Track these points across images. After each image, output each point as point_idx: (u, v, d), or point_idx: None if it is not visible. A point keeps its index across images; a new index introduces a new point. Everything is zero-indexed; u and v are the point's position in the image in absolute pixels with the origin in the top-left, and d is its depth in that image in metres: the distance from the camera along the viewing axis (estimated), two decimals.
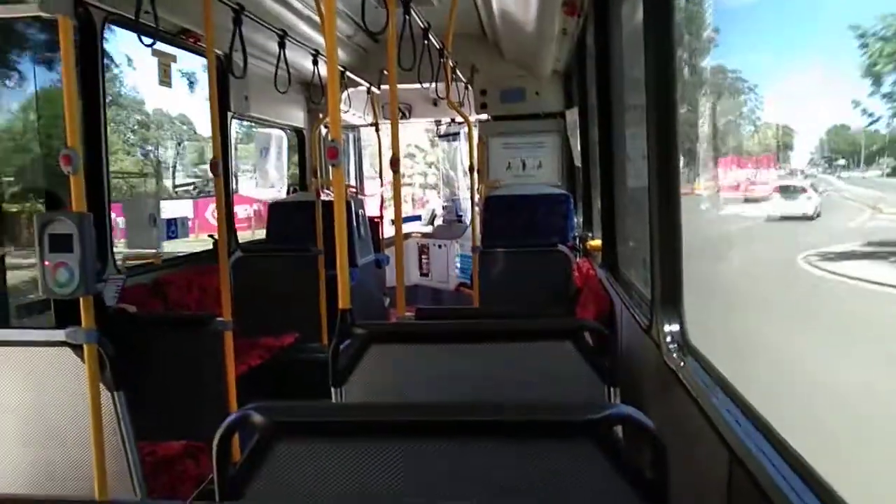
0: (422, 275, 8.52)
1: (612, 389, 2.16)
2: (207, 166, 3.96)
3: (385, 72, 3.70)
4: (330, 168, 2.93)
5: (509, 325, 2.43)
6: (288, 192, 7.20)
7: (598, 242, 4.42)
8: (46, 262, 2.21)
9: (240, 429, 1.39)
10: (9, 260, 3.83)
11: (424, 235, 8.76)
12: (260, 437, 1.37)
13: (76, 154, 2.20)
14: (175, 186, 16.85)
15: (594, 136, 4.86)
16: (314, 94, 5.99)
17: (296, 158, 7.35)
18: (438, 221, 9.48)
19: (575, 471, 1.34)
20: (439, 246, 8.41)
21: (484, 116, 7.04)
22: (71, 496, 2.38)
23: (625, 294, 3.14)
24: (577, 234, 6.24)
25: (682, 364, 2.01)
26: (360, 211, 6.25)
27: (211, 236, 5.14)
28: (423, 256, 8.54)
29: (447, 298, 8.10)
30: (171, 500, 2.61)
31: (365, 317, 2.32)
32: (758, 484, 1.33)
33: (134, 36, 3.36)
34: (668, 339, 2.14)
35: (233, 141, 6.01)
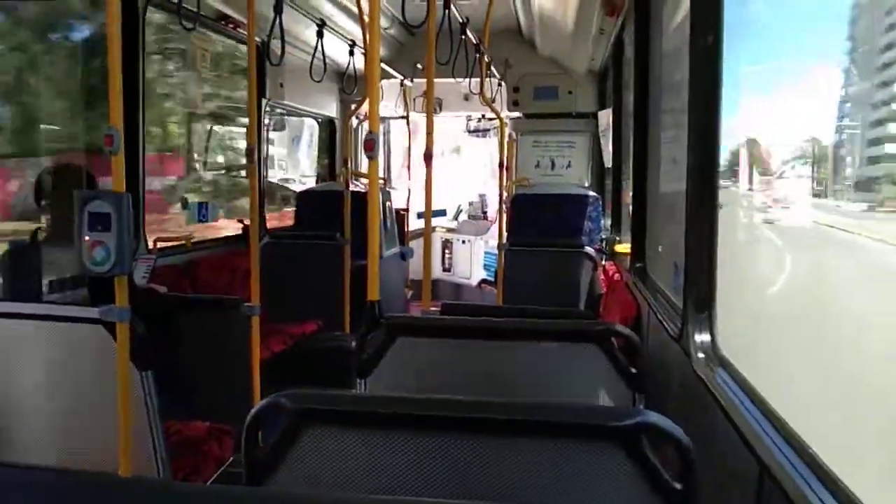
0: (444, 270, 8.52)
1: (637, 396, 2.14)
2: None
3: (419, 65, 3.71)
4: (361, 159, 2.94)
5: (535, 324, 2.41)
6: (317, 182, 7.25)
7: (625, 247, 4.38)
8: (86, 238, 2.25)
9: (269, 415, 1.40)
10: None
11: (449, 230, 8.76)
12: (288, 423, 1.38)
13: (118, 134, 2.23)
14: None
15: (627, 137, 4.82)
16: (347, 85, 6.01)
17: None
18: (463, 217, 9.47)
19: (600, 476, 1.33)
20: (463, 241, 8.40)
21: (515, 113, 7.01)
22: (96, 471, 2.42)
23: (653, 300, 3.11)
24: (604, 236, 6.20)
25: (711, 373, 1.99)
26: (388, 203, 6.26)
27: (241, 221, 5.19)
28: (446, 251, 8.54)
29: (469, 294, 8.09)
30: (193, 481, 2.64)
31: (387, 308, 2.32)
32: (787, 495, 1.31)
33: None
34: (699, 347, 2.11)
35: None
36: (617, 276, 4.48)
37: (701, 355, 2.09)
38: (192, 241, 4.58)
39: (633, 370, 2.13)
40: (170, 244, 4.39)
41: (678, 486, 1.28)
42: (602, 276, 4.93)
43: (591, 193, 6.48)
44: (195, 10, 3.22)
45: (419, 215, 6.33)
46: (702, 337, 2.11)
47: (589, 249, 5.44)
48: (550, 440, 1.35)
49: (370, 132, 2.29)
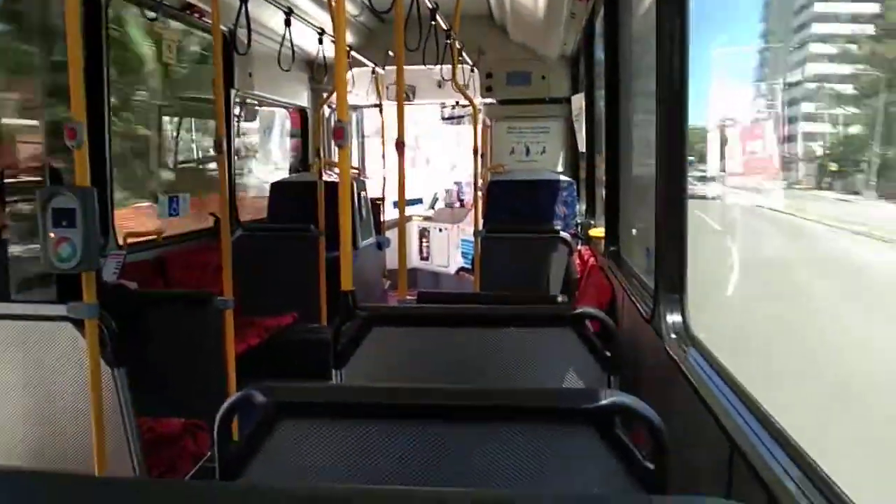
0: (422, 258, 8.51)
1: (612, 378, 2.16)
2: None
3: (391, 52, 3.68)
4: (334, 149, 2.91)
5: (511, 310, 2.42)
6: (290, 172, 7.18)
7: (599, 231, 4.40)
8: (51, 234, 2.20)
9: (242, 408, 1.38)
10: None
11: (425, 219, 8.74)
12: (262, 416, 1.37)
13: (81, 127, 2.18)
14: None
15: (599, 122, 4.83)
16: (318, 74, 5.95)
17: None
18: (440, 205, 9.46)
19: (575, 458, 1.34)
20: (440, 230, 8.39)
21: (489, 100, 6.99)
22: (69, 471, 2.39)
23: (627, 282, 3.14)
24: (579, 221, 6.23)
25: (683, 354, 2.01)
26: (363, 193, 6.23)
27: (212, 214, 5.12)
28: (423, 240, 8.53)
29: (447, 282, 8.10)
30: (169, 478, 2.62)
31: (364, 299, 2.32)
32: (757, 473, 1.33)
33: None
34: (671, 328, 2.14)
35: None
36: (592, 260, 4.51)
37: (673, 336, 2.11)
38: (163, 235, 4.52)
39: (608, 353, 2.15)
40: (140, 239, 4.32)
41: (651, 465, 1.30)
42: (578, 261, 4.96)
43: (566, 178, 6.50)
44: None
45: (395, 204, 6.31)
46: (673, 318, 2.14)
47: (564, 234, 5.46)
48: (526, 424, 1.36)
49: (339, 120, 2.27)
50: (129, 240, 4.15)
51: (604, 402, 1.30)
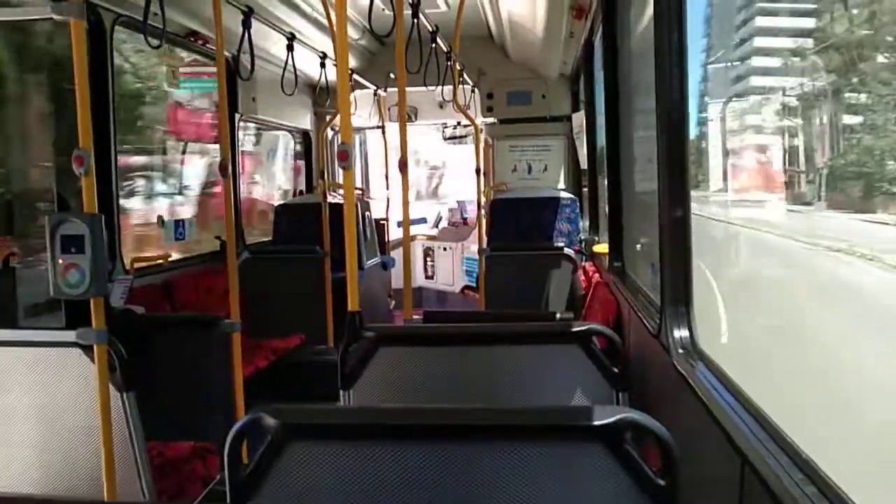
0: (427, 277, 8.52)
1: (620, 394, 2.16)
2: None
3: (392, 74, 3.72)
4: (338, 170, 2.94)
5: (518, 328, 2.42)
6: (294, 195, 7.22)
7: (603, 247, 4.41)
8: (60, 261, 2.22)
9: (251, 431, 1.39)
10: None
11: (430, 238, 8.76)
12: (272, 439, 1.37)
13: (88, 155, 2.21)
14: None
15: (601, 139, 4.86)
16: (321, 97, 6.00)
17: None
18: (444, 224, 9.49)
19: (585, 475, 1.34)
20: (444, 248, 8.41)
21: (490, 119, 7.04)
22: (79, 497, 2.39)
23: (632, 298, 3.13)
24: (583, 237, 6.24)
25: (691, 368, 2.01)
26: (367, 213, 6.25)
27: (218, 238, 5.15)
28: (427, 259, 8.54)
29: (452, 301, 8.10)
30: (179, 502, 2.61)
31: (370, 319, 2.32)
32: (770, 489, 1.33)
33: None
34: (678, 343, 2.13)
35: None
36: (596, 276, 4.51)
37: (680, 351, 2.11)
38: (169, 259, 4.54)
39: (615, 369, 2.15)
40: (147, 264, 4.34)
41: (661, 481, 1.29)
42: (582, 277, 4.96)
43: (569, 195, 6.53)
44: (161, 27, 3.20)
45: (399, 224, 6.34)
46: (680, 333, 2.13)
47: (568, 251, 5.47)
48: (535, 442, 1.36)
49: (343, 143, 2.30)
50: (136, 264, 4.18)
51: (613, 418, 1.30)
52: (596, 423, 1.31)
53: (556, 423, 1.38)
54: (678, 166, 2.17)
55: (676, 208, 2.18)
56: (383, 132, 7.55)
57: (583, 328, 2.21)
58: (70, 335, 2.32)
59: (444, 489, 1.36)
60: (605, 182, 4.11)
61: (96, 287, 2.24)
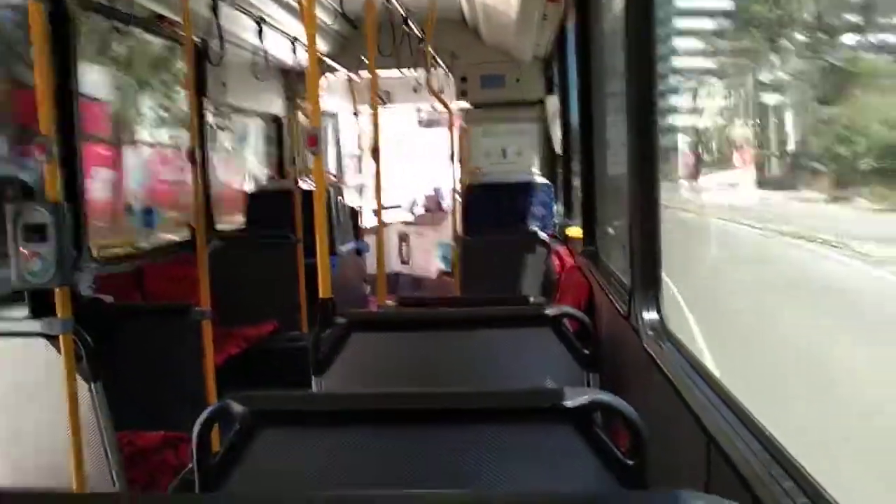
0: (402, 262, 8.51)
1: (591, 376, 2.18)
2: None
3: (364, 58, 3.69)
4: (309, 156, 2.92)
5: (490, 312, 2.43)
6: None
7: (576, 231, 4.44)
8: (21, 250, 2.17)
9: (219, 419, 1.38)
10: None
11: (405, 223, 8.74)
12: (240, 426, 1.36)
13: (51, 141, 2.16)
14: None
15: (574, 123, 4.88)
16: (292, 82, 5.93)
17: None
18: (419, 209, 9.48)
19: (555, 456, 1.35)
20: (420, 234, 8.40)
21: (464, 104, 7.02)
22: (48, 488, 2.35)
23: (604, 281, 3.16)
24: (557, 221, 6.27)
25: (660, 350, 2.03)
26: (340, 199, 6.21)
27: (188, 225, 5.08)
28: (403, 244, 8.53)
29: (428, 286, 8.11)
30: (150, 491, 2.59)
31: (345, 305, 2.32)
32: (735, 467, 1.35)
33: None
34: (647, 325, 2.16)
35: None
36: (570, 260, 4.54)
37: (650, 332, 2.14)
38: (138, 247, 4.47)
39: (586, 351, 2.17)
40: (115, 252, 4.27)
41: (630, 462, 1.31)
42: (556, 261, 4.99)
43: (543, 180, 6.55)
44: (128, 11, 3.13)
45: (375, 211, 6.32)
46: (650, 315, 2.16)
47: (543, 235, 5.49)
48: (506, 425, 1.37)
49: (312, 127, 2.27)
50: (103, 253, 4.10)
51: (582, 399, 1.31)
52: (565, 404, 1.32)
53: (526, 405, 1.38)
54: (647, 151, 2.19)
55: (646, 192, 2.19)
56: (356, 116, 7.50)
57: (555, 311, 2.23)
58: (35, 325, 2.28)
59: (415, 472, 1.36)
60: (579, 166, 4.13)
61: (61, 276, 2.20)
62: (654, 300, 2.17)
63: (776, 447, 1.34)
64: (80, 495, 2.23)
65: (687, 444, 1.64)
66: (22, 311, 3.30)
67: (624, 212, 2.45)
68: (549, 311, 2.23)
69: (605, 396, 1.33)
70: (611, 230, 3.65)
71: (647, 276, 2.19)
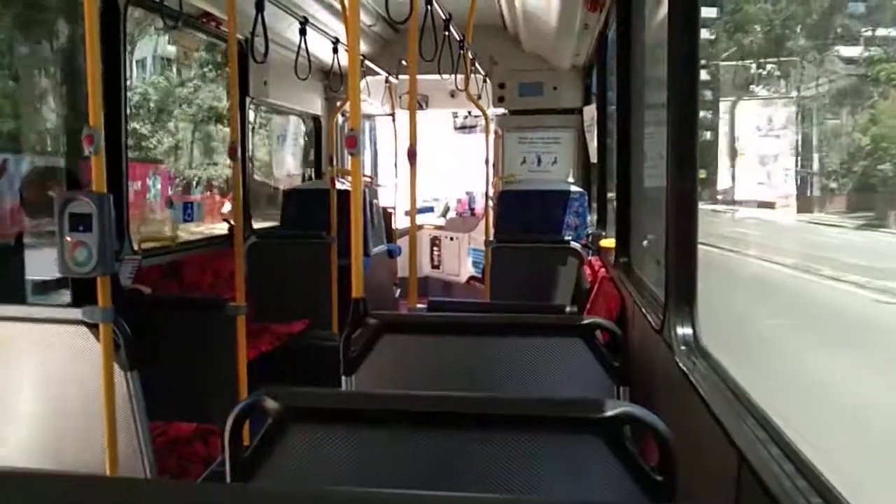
0: (433, 267, 8.53)
1: (621, 389, 2.16)
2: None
3: (404, 62, 3.72)
4: (347, 157, 2.95)
5: (521, 319, 2.43)
6: (303, 180, 7.23)
7: (610, 242, 4.40)
8: (68, 239, 2.23)
9: (252, 413, 1.40)
10: None
11: (437, 228, 8.76)
12: (272, 421, 1.38)
13: (99, 134, 2.22)
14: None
15: (611, 133, 4.84)
16: (333, 83, 6.00)
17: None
18: (451, 214, 9.49)
19: (583, 468, 1.34)
20: (451, 238, 8.41)
21: (501, 110, 7.02)
22: (81, 472, 2.41)
23: (637, 294, 3.13)
24: (590, 231, 6.22)
25: (693, 366, 2.01)
26: (375, 201, 6.26)
27: (226, 220, 5.18)
28: (434, 248, 8.55)
29: (458, 291, 8.11)
30: (180, 480, 2.63)
31: (375, 306, 2.33)
32: (766, 487, 1.33)
33: None
34: (680, 340, 2.13)
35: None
36: (602, 271, 4.50)
37: (683, 348, 2.11)
38: (177, 241, 4.57)
39: (617, 364, 2.15)
40: (155, 245, 4.37)
41: (659, 477, 1.30)
42: (588, 271, 4.95)
43: (577, 189, 6.51)
44: (177, 8, 3.20)
45: (407, 213, 6.34)
46: (683, 330, 2.13)
47: (575, 245, 5.46)
48: (533, 433, 1.37)
49: (351, 129, 2.30)
50: (144, 245, 4.20)
51: (612, 412, 1.31)
52: (595, 415, 1.31)
53: (555, 414, 1.38)
54: (687, 163, 2.16)
55: (684, 205, 2.17)
56: (393, 119, 7.54)
57: (586, 322, 2.21)
58: (76, 313, 2.34)
59: (441, 475, 1.37)
60: (615, 176, 4.10)
61: (103, 266, 2.26)
62: (689, 315, 2.14)
63: (809, 467, 1.32)
64: (113, 479, 2.28)
65: (717, 461, 1.62)
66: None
67: (660, 225, 2.43)
68: (581, 322, 2.22)
69: (636, 410, 1.32)
70: (645, 243, 3.61)
71: (682, 291, 2.16)
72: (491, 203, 6.06)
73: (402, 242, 7.09)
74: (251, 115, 5.78)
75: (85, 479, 1.36)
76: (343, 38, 5.42)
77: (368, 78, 6.39)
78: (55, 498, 0.97)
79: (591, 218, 6.40)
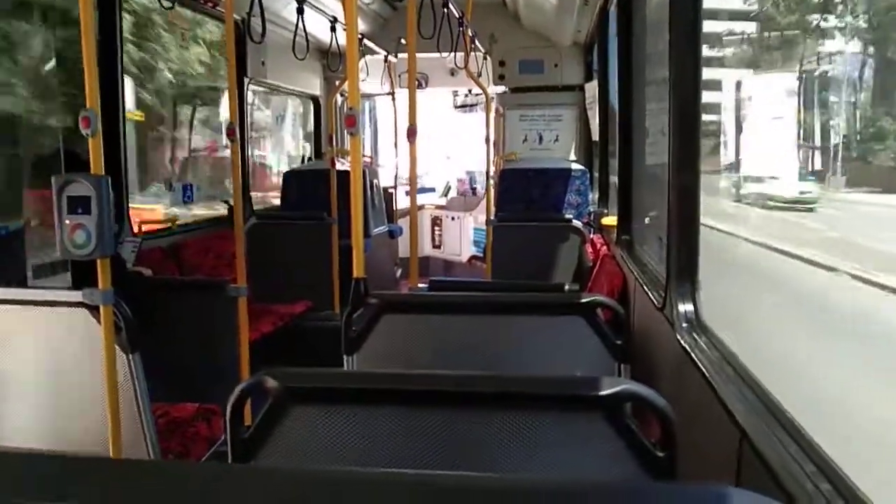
0: (434, 247, 8.52)
1: (622, 366, 2.16)
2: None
3: (403, 40, 3.68)
4: (346, 136, 2.93)
5: (522, 298, 2.43)
6: (302, 161, 7.20)
7: (612, 220, 4.39)
8: (67, 221, 2.23)
9: (254, 393, 1.40)
10: None
11: (438, 207, 8.74)
12: (273, 401, 1.38)
13: (95, 116, 2.20)
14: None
15: (612, 110, 4.80)
16: (331, 62, 5.95)
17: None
18: (453, 193, 9.46)
19: (584, 445, 1.34)
20: (452, 218, 8.39)
21: (501, 88, 6.96)
22: (85, 454, 2.43)
23: (639, 271, 3.13)
24: (592, 209, 6.20)
25: (694, 342, 2.01)
26: (375, 181, 6.23)
27: (226, 202, 5.16)
28: (435, 228, 8.54)
29: (459, 270, 8.11)
30: (183, 461, 2.65)
31: (376, 287, 2.33)
32: (766, 462, 1.33)
33: None
34: (682, 317, 2.13)
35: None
36: (604, 249, 4.49)
37: (684, 325, 2.11)
38: (177, 223, 4.56)
39: (618, 341, 2.15)
40: (154, 226, 4.36)
41: (660, 453, 1.30)
42: (590, 249, 4.94)
43: (579, 167, 6.47)
44: None
45: (408, 193, 6.33)
46: (685, 307, 2.13)
47: (577, 223, 5.44)
48: (535, 411, 1.37)
49: (350, 108, 2.28)
50: (144, 227, 4.19)
51: (613, 389, 1.30)
52: (596, 393, 1.31)
53: (556, 392, 1.38)
54: (689, 139, 2.14)
55: (686, 182, 2.15)
56: (393, 98, 7.49)
57: (587, 300, 2.21)
58: (77, 295, 2.34)
59: (443, 454, 1.37)
60: (616, 154, 4.08)
61: (102, 248, 2.25)
62: (690, 292, 2.14)
63: (809, 442, 1.32)
64: (117, 460, 2.30)
65: (718, 437, 1.62)
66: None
67: (662, 202, 2.42)
68: (582, 300, 2.21)
69: (637, 387, 1.32)
70: (647, 220, 3.60)
71: (683, 268, 2.15)
72: (492, 182, 6.03)
73: (404, 223, 7.07)
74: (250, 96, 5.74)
75: (89, 461, 1.36)
76: (341, 17, 5.35)
77: (367, 57, 6.33)
78: (61, 479, 0.97)
79: (593, 196, 6.38)
